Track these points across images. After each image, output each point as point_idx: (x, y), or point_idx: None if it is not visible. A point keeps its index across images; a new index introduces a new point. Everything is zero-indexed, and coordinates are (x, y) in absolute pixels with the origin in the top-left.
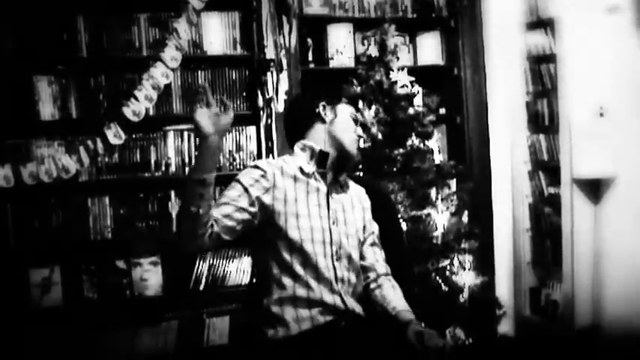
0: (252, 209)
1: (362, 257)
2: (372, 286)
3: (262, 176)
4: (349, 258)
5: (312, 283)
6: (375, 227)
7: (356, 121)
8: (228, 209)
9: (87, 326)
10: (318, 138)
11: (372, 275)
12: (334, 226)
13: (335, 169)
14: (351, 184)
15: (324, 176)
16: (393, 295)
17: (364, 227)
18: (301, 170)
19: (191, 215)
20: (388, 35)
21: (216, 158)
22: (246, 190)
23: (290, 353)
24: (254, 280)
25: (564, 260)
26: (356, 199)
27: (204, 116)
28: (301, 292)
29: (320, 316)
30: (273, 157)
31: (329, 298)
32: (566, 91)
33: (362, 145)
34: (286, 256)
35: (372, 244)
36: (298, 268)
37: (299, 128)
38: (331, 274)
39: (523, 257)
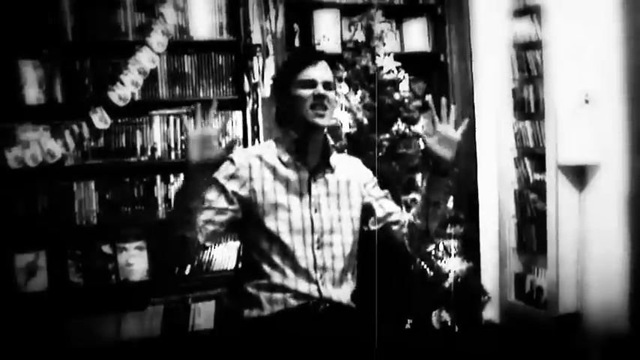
0: (233, 206)
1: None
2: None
3: (237, 170)
4: (333, 244)
5: (289, 272)
6: (376, 191)
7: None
8: (209, 214)
9: (72, 311)
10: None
11: (392, 220)
12: (316, 214)
13: (312, 152)
14: (344, 160)
15: (305, 162)
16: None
17: (364, 199)
18: (280, 160)
19: (179, 239)
20: (375, 21)
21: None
22: (223, 188)
23: (261, 332)
24: (239, 266)
25: (549, 246)
26: (350, 176)
27: (195, 143)
28: (277, 279)
29: (293, 300)
30: (259, 142)
31: (304, 287)
32: (551, 77)
33: (348, 129)
34: (265, 245)
35: (378, 200)
36: (276, 258)
37: (276, 115)
38: (309, 263)
39: (508, 243)
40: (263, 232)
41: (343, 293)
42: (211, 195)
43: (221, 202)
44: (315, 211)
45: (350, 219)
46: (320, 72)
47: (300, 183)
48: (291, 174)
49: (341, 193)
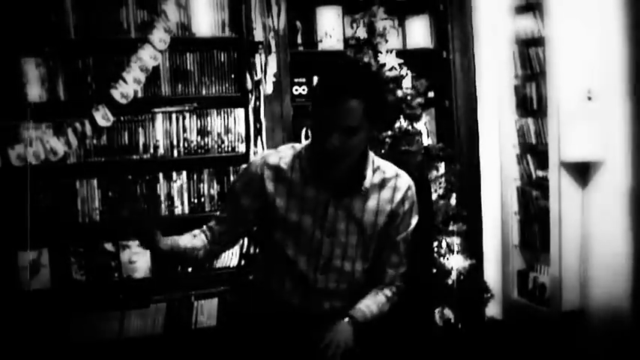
0: (248, 217)
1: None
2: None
3: (251, 181)
4: (340, 271)
5: (288, 284)
6: (394, 233)
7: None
8: (224, 227)
9: (75, 309)
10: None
11: (377, 280)
12: (328, 239)
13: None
14: (389, 183)
15: (327, 181)
16: (370, 295)
17: (387, 231)
18: (301, 172)
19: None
20: (377, 18)
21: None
22: (238, 198)
23: (259, 327)
24: (242, 262)
25: (552, 243)
26: (384, 205)
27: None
28: (275, 286)
29: (286, 309)
30: (262, 140)
31: (296, 301)
32: (554, 74)
33: None
34: (271, 252)
35: (388, 248)
36: (279, 266)
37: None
38: (309, 284)
39: (511, 240)
40: (271, 242)
41: (342, 308)
42: (229, 206)
43: (238, 213)
44: (329, 235)
45: (365, 246)
46: (337, 116)
47: (316, 203)
48: (309, 191)
49: (366, 222)
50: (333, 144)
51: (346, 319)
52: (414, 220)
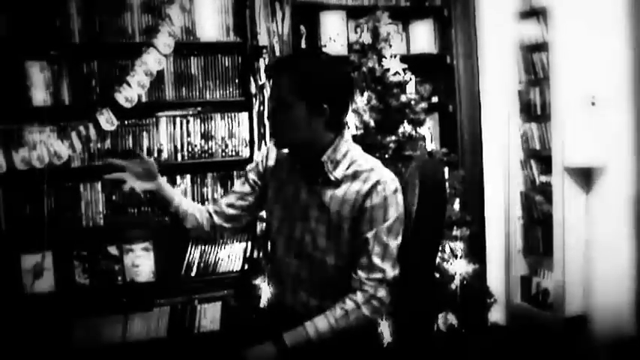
0: (253, 195)
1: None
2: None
3: (260, 161)
4: (311, 259)
5: (271, 271)
6: (363, 230)
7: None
8: (231, 198)
9: (79, 312)
10: None
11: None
12: (300, 223)
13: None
14: (364, 174)
15: (302, 170)
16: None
17: (356, 228)
18: (284, 160)
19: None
20: (381, 23)
21: (168, 193)
22: (246, 177)
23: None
24: (245, 267)
25: (555, 249)
26: (349, 195)
27: (132, 179)
28: (269, 273)
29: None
30: (265, 144)
31: (277, 288)
32: (558, 80)
33: (355, 131)
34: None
35: (358, 249)
36: (270, 252)
37: None
38: (283, 268)
39: (514, 245)
40: (268, 223)
41: (320, 309)
42: (237, 183)
43: (244, 188)
44: (300, 219)
45: (336, 239)
46: (271, 90)
47: (295, 189)
48: (291, 179)
49: (332, 211)
50: (269, 116)
51: (272, 341)
52: (389, 221)
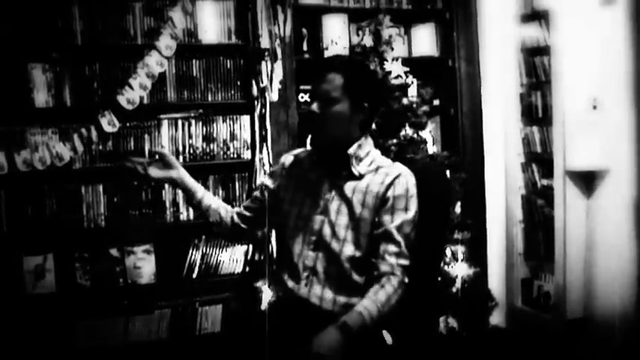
0: (262, 198)
1: (372, 252)
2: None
3: (277, 167)
4: (328, 249)
5: (284, 266)
6: (386, 220)
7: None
8: (248, 201)
9: (80, 313)
10: None
11: (374, 273)
12: (320, 216)
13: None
14: (385, 170)
15: (326, 167)
16: (368, 294)
17: (376, 219)
18: (308, 160)
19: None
20: (383, 26)
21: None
22: (262, 183)
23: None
24: (247, 269)
25: (556, 252)
26: (373, 187)
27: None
28: (278, 270)
29: (281, 294)
30: (267, 147)
31: (291, 283)
32: (559, 83)
33: None
34: (280, 235)
35: (382, 238)
36: (280, 251)
37: None
38: (300, 262)
39: (515, 249)
40: (279, 224)
41: (334, 302)
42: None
43: (257, 193)
44: (321, 213)
45: (356, 230)
46: (319, 86)
47: (316, 184)
48: (312, 175)
49: (354, 202)
50: (314, 110)
51: (335, 325)
52: (411, 212)
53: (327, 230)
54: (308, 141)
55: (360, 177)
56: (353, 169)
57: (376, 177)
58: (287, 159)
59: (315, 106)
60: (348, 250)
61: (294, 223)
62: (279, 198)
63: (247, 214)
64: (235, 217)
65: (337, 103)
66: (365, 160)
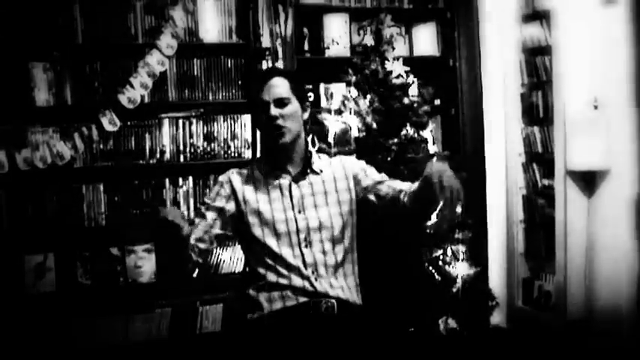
0: (220, 221)
1: (380, 195)
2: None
3: (221, 187)
4: (323, 241)
5: (283, 270)
6: (372, 171)
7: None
8: (199, 233)
9: (80, 312)
10: None
11: (401, 196)
12: (300, 214)
13: (291, 161)
14: (334, 162)
15: (284, 170)
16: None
17: (356, 190)
18: (260, 171)
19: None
20: (384, 25)
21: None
22: (209, 206)
23: (262, 330)
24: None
25: (557, 252)
26: (338, 174)
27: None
28: (272, 278)
29: (291, 297)
30: None
31: (298, 282)
32: (560, 83)
33: (357, 133)
34: (257, 249)
35: (379, 182)
36: (268, 259)
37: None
38: (299, 261)
39: (516, 248)
40: (252, 239)
41: (344, 288)
42: (200, 215)
43: (209, 219)
44: (300, 211)
45: (339, 215)
46: (270, 91)
47: (280, 188)
48: (271, 182)
49: (328, 191)
50: (272, 114)
51: (436, 158)
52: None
53: (313, 224)
54: (262, 149)
55: (320, 171)
56: (314, 166)
57: (333, 167)
58: (232, 177)
59: (273, 111)
60: (339, 234)
61: (272, 231)
62: (240, 214)
63: (202, 246)
64: (194, 255)
65: (291, 103)
66: (315, 159)
